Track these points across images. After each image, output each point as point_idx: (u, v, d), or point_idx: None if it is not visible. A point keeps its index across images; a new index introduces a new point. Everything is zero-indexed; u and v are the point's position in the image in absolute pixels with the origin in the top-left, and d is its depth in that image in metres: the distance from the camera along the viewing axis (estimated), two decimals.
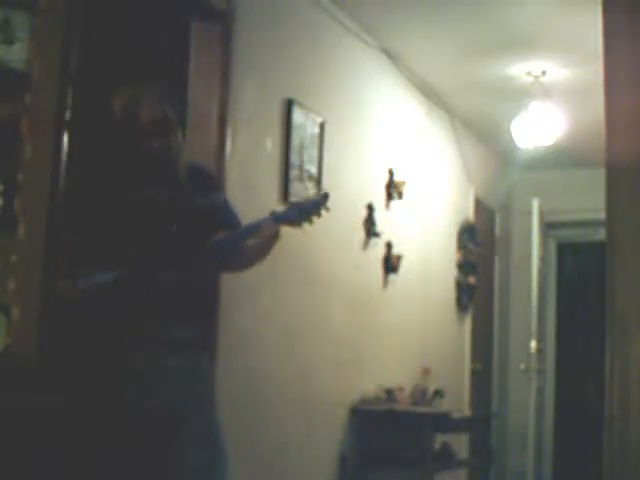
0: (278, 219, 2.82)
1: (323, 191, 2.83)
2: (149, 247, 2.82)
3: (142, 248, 2.82)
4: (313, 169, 4.54)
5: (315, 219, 2.78)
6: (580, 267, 8.24)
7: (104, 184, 2.91)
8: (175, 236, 2.85)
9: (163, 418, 2.71)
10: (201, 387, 2.92)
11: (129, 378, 2.81)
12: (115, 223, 2.85)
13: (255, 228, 2.85)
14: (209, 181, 3.07)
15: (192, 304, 2.87)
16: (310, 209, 2.77)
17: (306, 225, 2.80)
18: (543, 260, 7.02)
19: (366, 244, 5.19)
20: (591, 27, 3.47)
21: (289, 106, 4.35)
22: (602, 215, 2.65)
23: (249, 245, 2.95)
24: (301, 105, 4.43)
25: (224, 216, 2.98)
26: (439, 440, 5.26)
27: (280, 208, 2.89)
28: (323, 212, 2.78)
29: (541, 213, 6.76)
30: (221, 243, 2.90)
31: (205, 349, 2.98)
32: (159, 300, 2.79)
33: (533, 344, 6.50)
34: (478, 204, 7.11)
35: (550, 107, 5.72)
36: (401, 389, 5.29)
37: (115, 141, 2.96)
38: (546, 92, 5.64)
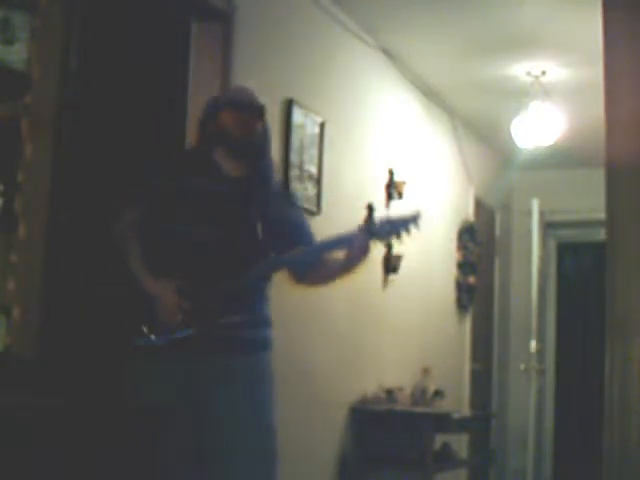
0: (372, 234, 2.77)
1: (416, 210, 2.74)
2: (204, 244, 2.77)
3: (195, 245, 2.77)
4: (313, 169, 4.54)
5: (404, 236, 2.74)
6: (580, 267, 8.23)
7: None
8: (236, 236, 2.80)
9: (171, 417, 2.71)
10: (251, 388, 2.86)
11: (150, 378, 2.76)
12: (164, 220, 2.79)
13: (344, 241, 2.79)
14: (287, 196, 3.05)
15: (248, 304, 2.88)
16: (401, 226, 2.73)
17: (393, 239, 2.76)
18: (543, 260, 7.01)
19: None
20: (591, 27, 3.46)
21: (289, 106, 4.35)
22: (602, 215, 2.65)
23: (333, 258, 2.90)
24: (301, 105, 4.43)
25: (297, 235, 2.92)
26: (439, 440, 5.26)
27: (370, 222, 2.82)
28: (412, 229, 2.72)
29: (541, 213, 6.74)
30: (302, 254, 2.87)
31: (260, 349, 2.95)
32: (210, 297, 2.75)
33: (533, 344, 6.48)
34: (478, 204, 7.11)
35: (550, 107, 5.72)
36: (401, 389, 5.28)
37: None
38: (546, 92, 5.64)
